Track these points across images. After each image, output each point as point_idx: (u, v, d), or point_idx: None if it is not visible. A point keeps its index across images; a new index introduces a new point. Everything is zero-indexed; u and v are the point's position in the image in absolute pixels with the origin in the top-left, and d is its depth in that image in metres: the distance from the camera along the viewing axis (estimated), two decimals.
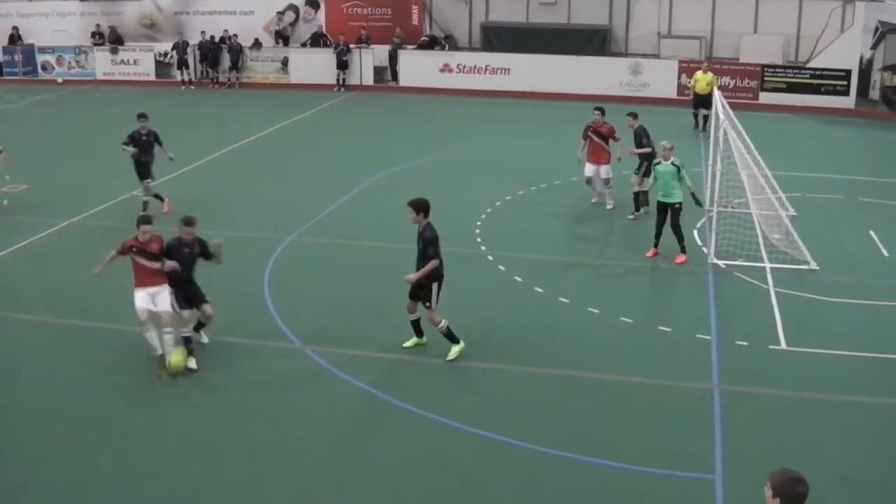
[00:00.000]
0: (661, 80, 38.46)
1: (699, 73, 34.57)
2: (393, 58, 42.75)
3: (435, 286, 15.62)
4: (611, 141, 24.04)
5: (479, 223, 22.84)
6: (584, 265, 20.34)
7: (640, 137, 23.86)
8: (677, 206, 20.01)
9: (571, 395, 14.70)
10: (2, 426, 13.73)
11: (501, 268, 19.86)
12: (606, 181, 24.06)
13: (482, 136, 33.15)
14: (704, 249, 20.66)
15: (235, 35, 44.23)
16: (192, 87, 44.09)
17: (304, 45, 45.13)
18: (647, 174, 22.93)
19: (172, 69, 45.56)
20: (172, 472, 12.62)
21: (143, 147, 23.40)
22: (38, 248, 21.34)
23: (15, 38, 48.21)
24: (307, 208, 24.25)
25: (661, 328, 16.89)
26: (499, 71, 40.87)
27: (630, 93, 38.01)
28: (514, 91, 39.63)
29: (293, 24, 45.72)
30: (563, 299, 18.13)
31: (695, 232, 22.07)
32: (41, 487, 12.18)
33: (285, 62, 44.06)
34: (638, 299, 18.33)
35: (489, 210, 23.83)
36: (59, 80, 46.70)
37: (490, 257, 20.57)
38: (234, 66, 44.41)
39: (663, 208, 20.15)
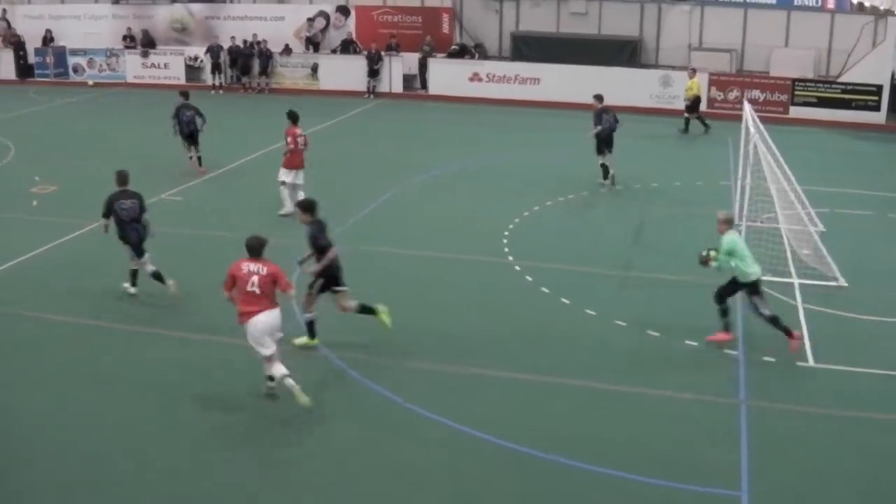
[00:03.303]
0: None
1: (695, 80, 35.46)
2: (423, 66, 42.80)
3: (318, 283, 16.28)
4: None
5: (506, 233, 22.80)
6: (612, 277, 20.26)
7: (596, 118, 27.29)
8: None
9: (595, 407, 14.68)
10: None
11: (528, 278, 19.82)
12: None
13: (511, 145, 33.14)
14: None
15: (265, 41, 44.35)
16: (222, 92, 44.19)
17: (334, 51, 45.28)
18: (599, 151, 27.29)
19: (202, 73, 45.75)
20: (187, 473, 12.74)
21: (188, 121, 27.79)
22: (67, 250, 21.42)
23: (47, 40, 48.50)
24: (335, 215, 24.13)
25: (687, 342, 16.80)
26: (528, 81, 40.85)
27: (660, 104, 37.95)
28: (544, 101, 39.60)
29: (323, 30, 45.86)
30: (589, 311, 18.07)
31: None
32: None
33: (315, 68, 44.15)
34: (665, 313, 18.23)
35: (517, 220, 23.79)
36: (90, 82, 46.96)
37: (517, 267, 20.52)
38: (264, 71, 44.53)
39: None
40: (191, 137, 28.34)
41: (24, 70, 48.49)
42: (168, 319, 17.70)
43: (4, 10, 50.86)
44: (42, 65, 48.27)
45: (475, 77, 41.75)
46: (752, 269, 16.54)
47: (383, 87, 43.13)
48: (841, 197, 26.27)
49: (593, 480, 12.58)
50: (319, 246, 16.22)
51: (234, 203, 25.65)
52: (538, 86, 40.58)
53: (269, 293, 14.33)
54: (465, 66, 42.37)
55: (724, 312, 16.93)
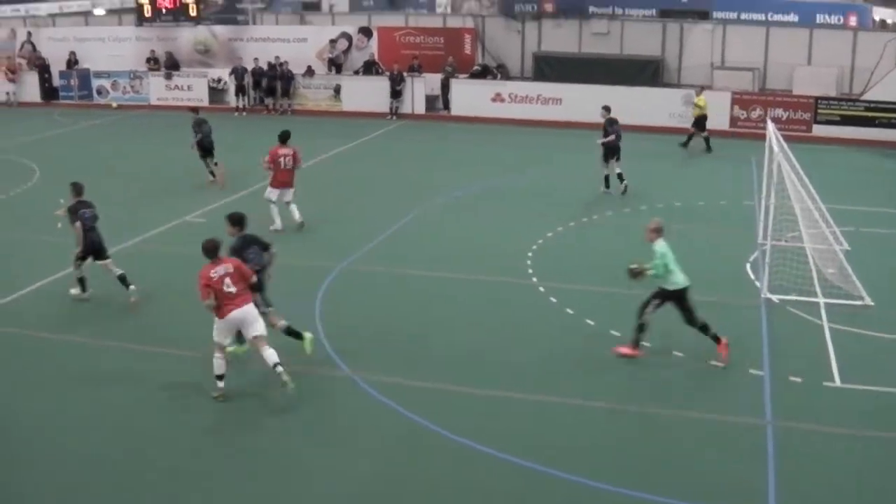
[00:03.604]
0: (713, 111, 38.25)
1: (701, 97, 35.66)
2: (445, 87, 42.84)
3: None
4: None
5: (530, 253, 22.77)
6: (636, 297, 20.09)
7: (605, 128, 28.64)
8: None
9: (621, 429, 14.62)
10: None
11: (553, 299, 19.77)
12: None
13: (533, 165, 33.13)
14: (757, 284, 20.46)
15: (286, 62, 44.49)
16: (245, 114, 44.33)
17: (356, 72, 45.42)
18: (605, 159, 28.58)
19: (226, 95, 45.91)
20: (217, 494, 12.74)
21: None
22: (90, 272, 21.51)
23: (71, 62, 48.85)
24: (359, 236, 24.31)
25: (713, 363, 16.72)
26: (550, 101, 40.83)
27: (682, 124, 37.81)
28: (566, 121, 39.59)
29: (346, 51, 46.07)
30: (614, 332, 17.99)
31: (748, 265, 21.91)
32: None
33: (338, 90, 44.25)
34: (690, 333, 18.12)
35: (540, 241, 23.75)
36: (114, 104, 47.27)
37: (542, 288, 20.47)
38: (286, 93, 44.67)
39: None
40: (210, 151, 30.04)
41: (49, 92, 48.93)
42: (182, 341, 17.69)
43: (29, 33, 51.38)
44: (66, 87, 48.68)
45: (497, 97, 41.76)
46: (679, 278, 16.87)
47: (406, 108, 43.18)
48: (866, 215, 26.16)
49: (619, 501, 12.53)
50: (239, 258, 16.27)
51: (254, 225, 25.61)
52: (560, 106, 40.53)
53: (243, 287, 15.34)
54: (488, 87, 42.40)
55: (642, 328, 17.09)
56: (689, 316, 16.94)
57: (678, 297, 16.94)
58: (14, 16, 61.78)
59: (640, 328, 17.11)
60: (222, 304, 15.10)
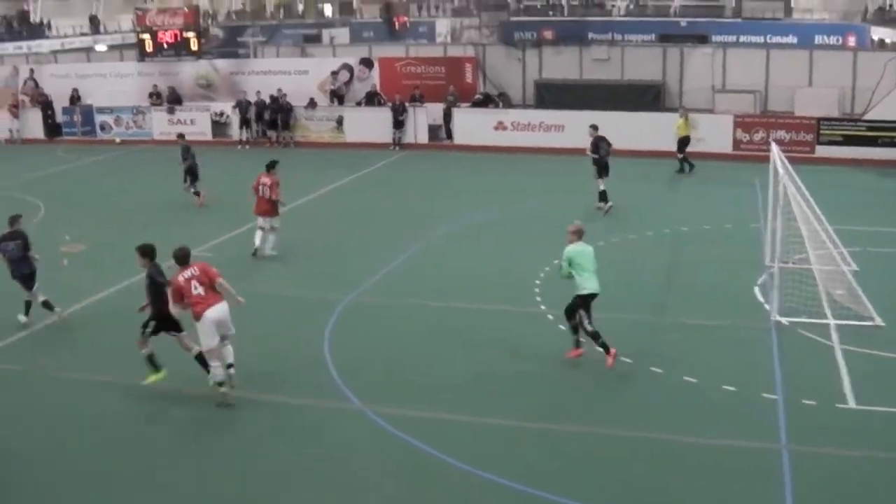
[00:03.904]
0: (716, 134, 38.28)
1: (680, 121, 35.96)
2: (447, 116, 42.82)
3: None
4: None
5: (537, 281, 22.69)
6: (644, 324, 20.13)
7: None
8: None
9: (635, 456, 14.52)
10: None
11: (562, 327, 19.64)
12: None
13: (538, 192, 33.08)
14: (767, 307, 20.41)
15: (284, 94, 44.52)
16: (248, 147, 44.38)
17: (358, 103, 45.47)
18: (599, 175, 29.50)
19: (229, 128, 45.98)
20: None
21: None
22: (97, 307, 21.50)
23: (74, 98, 48.98)
24: (365, 267, 24.28)
25: (725, 387, 16.65)
26: (553, 128, 40.82)
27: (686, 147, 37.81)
28: (569, 148, 39.43)
29: (347, 83, 46.12)
30: (625, 359, 17.91)
31: (756, 288, 21.87)
32: None
33: (340, 121, 44.25)
34: (702, 358, 18.11)
35: (547, 268, 23.56)
36: (117, 139, 47.36)
37: (550, 316, 20.37)
38: (286, 125, 44.75)
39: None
40: (196, 176, 32.05)
41: (52, 129, 48.96)
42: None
43: (32, 70, 51.57)
44: (69, 123, 48.77)
45: (500, 126, 41.74)
46: (587, 284, 17.42)
47: (408, 138, 43.15)
48: (873, 235, 26.09)
49: None
50: (157, 284, 16.58)
51: (261, 258, 25.71)
52: (563, 133, 40.44)
53: (210, 289, 16.11)
54: (490, 115, 42.43)
55: (574, 329, 17.71)
56: (582, 321, 17.52)
57: (581, 300, 17.47)
58: (17, 53, 62.15)
59: (574, 330, 17.75)
60: (194, 305, 15.94)
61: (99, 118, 48.59)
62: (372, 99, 45.11)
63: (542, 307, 21.03)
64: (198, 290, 16.00)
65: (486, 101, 43.89)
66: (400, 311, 21.08)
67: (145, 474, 14.24)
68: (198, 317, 16.00)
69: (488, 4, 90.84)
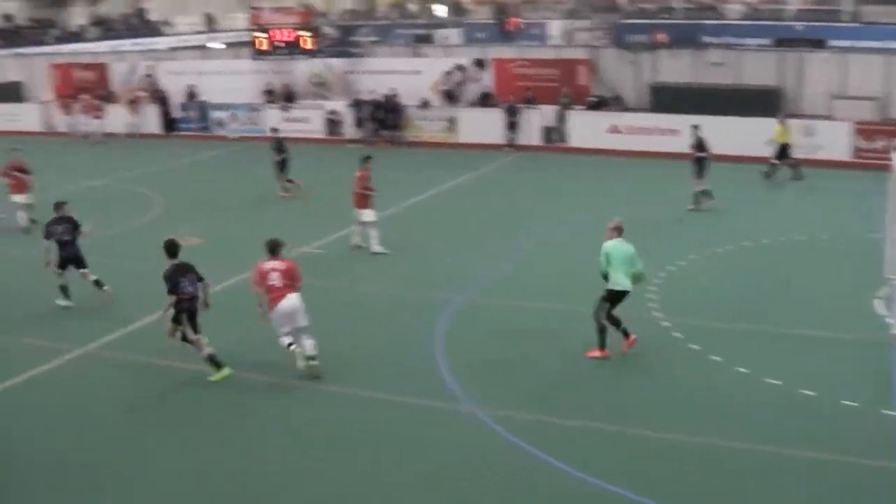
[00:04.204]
0: (834, 142, 37.49)
1: (778, 127, 34.98)
2: (561, 118, 42.58)
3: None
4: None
5: (652, 287, 22.39)
6: (765, 334, 19.70)
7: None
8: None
9: (746, 473, 14.19)
10: None
11: (677, 335, 19.45)
12: None
13: (652, 197, 32.63)
14: (889, 320, 19.91)
15: (397, 94, 44.70)
16: (361, 146, 44.56)
17: (471, 104, 45.40)
18: (698, 175, 30.11)
19: (342, 127, 46.26)
20: None
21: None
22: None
23: (191, 95, 49.78)
24: (477, 268, 24.26)
25: (844, 402, 16.26)
26: (667, 132, 40.33)
27: (802, 154, 37.01)
28: (683, 153, 38.94)
29: (461, 83, 46.05)
30: (741, 369, 17.63)
31: (877, 301, 21.33)
32: None
33: (453, 121, 44.29)
34: (819, 371, 17.70)
35: (662, 274, 23.37)
36: (231, 136, 47.89)
37: (665, 323, 20.18)
38: (397, 125, 44.93)
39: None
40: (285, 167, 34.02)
41: (169, 124, 49.86)
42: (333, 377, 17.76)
43: (150, 67, 52.37)
44: (186, 119, 49.56)
45: (613, 129, 41.33)
46: (620, 280, 17.97)
47: (522, 139, 43.01)
48: None
49: None
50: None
51: (376, 257, 25.78)
52: (678, 137, 39.88)
53: (289, 283, 17.35)
54: (604, 118, 42.03)
55: (616, 323, 18.19)
56: (598, 311, 18.13)
57: (617, 298, 18.01)
58: (135, 50, 63.18)
59: (602, 330, 18.12)
60: (269, 293, 17.26)
61: (214, 114, 49.32)
62: (485, 100, 45.05)
63: (656, 313, 20.78)
64: (274, 281, 17.28)
65: (599, 104, 43.54)
66: (509, 312, 20.96)
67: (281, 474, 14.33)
68: (271, 305, 17.33)
69: (600, 6, 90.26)
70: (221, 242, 26.77)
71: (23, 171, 30.34)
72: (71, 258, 21.92)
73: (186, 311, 17.56)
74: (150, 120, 50.59)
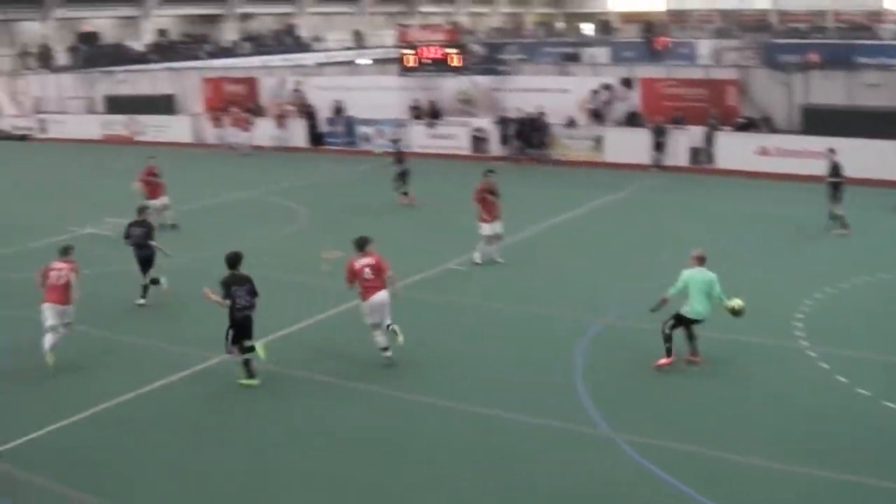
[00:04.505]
0: None
1: None
2: (708, 139, 41.84)
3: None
4: None
5: (800, 315, 21.60)
6: None
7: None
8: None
9: None
10: None
11: (824, 365, 18.73)
12: None
13: (801, 220, 31.63)
14: None
15: (542, 112, 44.43)
16: (506, 163, 44.49)
17: (618, 123, 44.92)
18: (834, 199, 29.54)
19: (487, 144, 46.19)
20: None
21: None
22: (350, 316, 21.78)
23: (337, 109, 50.33)
24: (619, 289, 23.80)
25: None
26: (818, 155, 39.16)
27: None
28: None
29: (607, 102, 45.59)
30: (888, 403, 16.84)
31: None
32: None
33: (599, 140, 43.87)
34: None
35: (809, 302, 22.56)
36: (377, 151, 48.21)
37: (811, 353, 19.46)
38: (543, 143, 44.61)
39: None
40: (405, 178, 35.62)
41: (316, 138, 50.52)
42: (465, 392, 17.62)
43: (299, 82, 53.14)
44: (332, 134, 50.10)
45: (762, 151, 40.40)
46: (695, 307, 18.37)
47: (669, 160, 42.37)
48: None
49: None
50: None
51: (514, 275, 25.57)
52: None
53: (379, 278, 18.82)
54: (752, 140, 41.07)
55: (691, 338, 18.77)
56: (667, 327, 18.60)
57: (688, 324, 18.57)
58: (284, 65, 64.31)
59: (667, 339, 18.56)
60: (363, 288, 18.76)
61: (360, 129, 49.74)
62: (632, 119, 44.53)
63: (803, 342, 20.05)
64: (367, 275, 18.70)
65: (748, 125, 42.66)
66: (651, 335, 20.38)
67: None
68: (364, 298, 18.83)
69: (750, 26, 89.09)
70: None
71: (154, 175, 32.30)
72: (143, 259, 23.79)
73: (239, 320, 18.21)
74: (297, 134, 51.35)
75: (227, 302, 18.04)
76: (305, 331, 21.40)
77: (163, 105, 58.30)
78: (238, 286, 18.10)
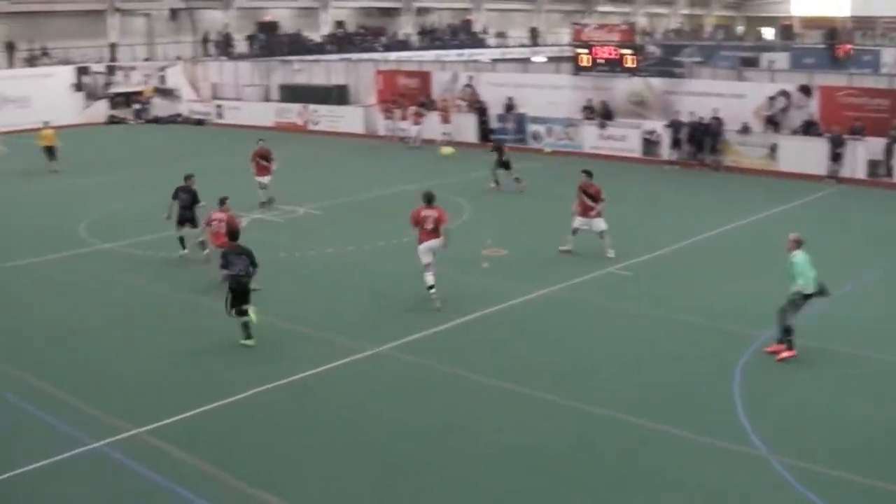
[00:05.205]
0: None
1: None
2: (889, 152, 40.38)
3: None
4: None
5: None
6: None
7: None
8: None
9: None
10: None
11: None
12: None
13: None
14: None
15: (714, 118, 43.56)
16: (677, 167, 43.81)
17: (794, 132, 43.70)
18: None
19: (659, 147, 45.56)
20: None
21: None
22: (511, 314, 21.56)
23: (509, 106, 50.28)
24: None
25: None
26: None
27: None
28: None
29: (784, 109, 44.40)
30: None
31: None
32: None
33: (773, 148, 42.79)
34: None
35: None
36: (547, 149, 48.01)
37: None
38: (713, 148, 43.78)
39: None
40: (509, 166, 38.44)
41: (486, 134, 50.48)
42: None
43: (471, 77, 53.31)
44: (502, 130, 50.01)
45: None
46: (809, 285, 19.09)
47: (845, 171, 40.99)
48: None
49: None
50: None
51: (678, 283, 25.07)
52: None
53: (437, 227, 22.28)
54: None
55: (788, 331, 19.28)
56: (785, 311, 19.30)
57: (803, 298, 19.15)
58: (458, 60, 64.64)
59: (788, 331, 19.29)
60: (421, 234, 22.40)
61: (531, 127, 49.62)
62: (808, 128, 43.26)
63: None
64: (429, 225, 22.31)
65: None
66: (815, 353, 19.58)
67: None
68: (420, 242, 22.49)
69: None
70: (526, 255, 26.87)
71: (266, 158, 35.49)
72: (187, 219, 27.30)
73: (234, 286, 20.30)
74: (467, 128, 51.40)
75: (225, 272, 20.37)
76: (449, 332, 21.34)
77: (337, 95, 59.08)
78: (235, 255, 20.33)
